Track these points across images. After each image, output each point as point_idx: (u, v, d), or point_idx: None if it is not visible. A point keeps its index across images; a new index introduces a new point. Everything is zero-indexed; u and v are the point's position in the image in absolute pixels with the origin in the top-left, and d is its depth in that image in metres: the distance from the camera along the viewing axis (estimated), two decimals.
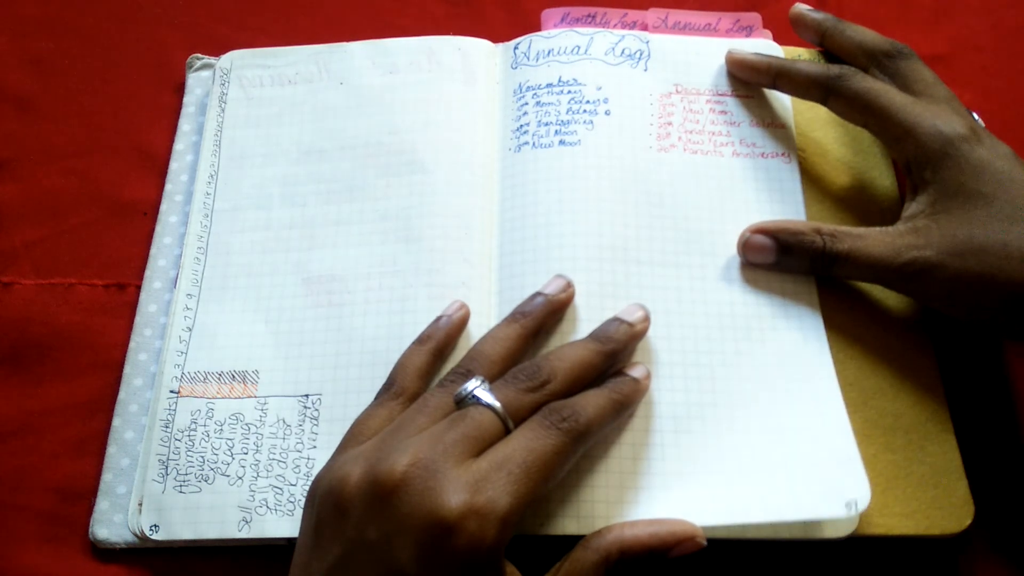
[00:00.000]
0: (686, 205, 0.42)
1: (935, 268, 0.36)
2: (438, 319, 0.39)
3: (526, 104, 0.45)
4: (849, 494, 0.35)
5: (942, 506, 0.36)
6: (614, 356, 0.37)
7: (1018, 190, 0.36)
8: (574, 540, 0.37)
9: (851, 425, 0.38)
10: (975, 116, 0.41)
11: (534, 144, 0.44)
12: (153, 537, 0.37)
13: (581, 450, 0.33)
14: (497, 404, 0.33)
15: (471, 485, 0.30)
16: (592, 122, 0.44)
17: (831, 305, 0.40)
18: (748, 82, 0.46)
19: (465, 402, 0.33)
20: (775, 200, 0.43)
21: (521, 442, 0.32)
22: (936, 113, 0.39)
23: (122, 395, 0.41)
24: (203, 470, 0.38)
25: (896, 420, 0.38)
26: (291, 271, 0.42)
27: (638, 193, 0.42)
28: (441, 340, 0.39)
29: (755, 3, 0.52)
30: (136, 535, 0.37)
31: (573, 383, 0.35)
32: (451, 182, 0.43)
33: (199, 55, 0.49)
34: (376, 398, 0.37)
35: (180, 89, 0.49)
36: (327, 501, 0.32)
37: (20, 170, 0.47)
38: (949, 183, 0.37)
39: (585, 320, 0.39)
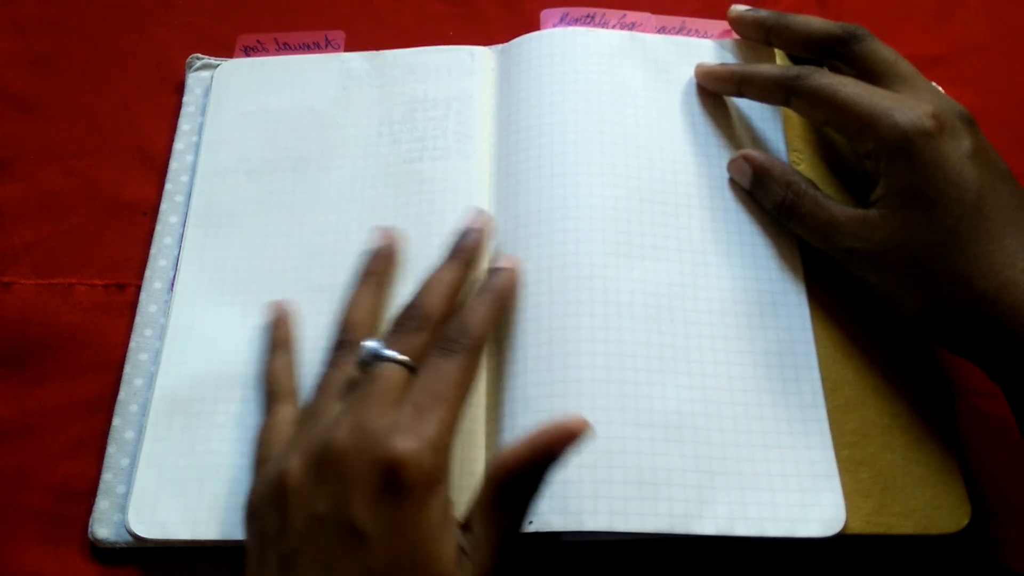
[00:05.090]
0: (676, 200, 0.42)
1: (870, 262, 0.37)
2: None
3: (519, 108, 0.45)
4: (826, 513, 0.35)
5: (940, 506, 0.36)
6: (473, 264, 0.39)
7: (964, 194, 0.35)
8: (570, 542, 0.37)
9: (849, 424, 0.38)
10: (937, 87, 0.39)
11: (526, 147, 0.43)
12: (152, 537, 0.37)
13: (482, 355, 0.36)
14: (400, 356, 0.34)
15: (402, 428, 0.31)
16: (577, 109, 0.43)
17: (829, 303, 0.40)
18: (716, 92, 0.45)
19: (369, 364, 0.35)
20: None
21: (429, 376, 0.33)
22: (897, 102, 0.36)
23: (122, 395, 0.41)
24: (204, 472, 0.38)
25: (894, 419, 0.38)
26: (291, 279, 0.42)
27: (630, 189, 0.42)
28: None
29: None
30: (134, 535, 0.37)
31: (450, 306, 0.37)
32: (449, 193, 0.43)
33: (199, 55, 0.49)
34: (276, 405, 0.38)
35: (180, 89, 0.49)
36: (270, 506, 0.32)
37: (20, 170, 0.47)
38: (899, 181, 0.36)
39: (584, 315, 0.39)
